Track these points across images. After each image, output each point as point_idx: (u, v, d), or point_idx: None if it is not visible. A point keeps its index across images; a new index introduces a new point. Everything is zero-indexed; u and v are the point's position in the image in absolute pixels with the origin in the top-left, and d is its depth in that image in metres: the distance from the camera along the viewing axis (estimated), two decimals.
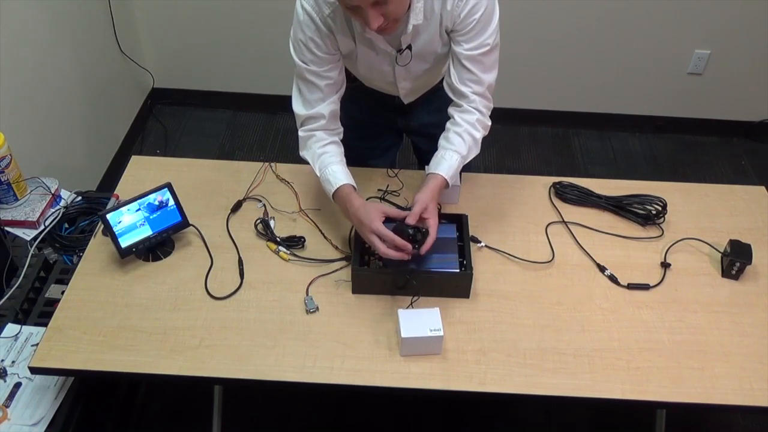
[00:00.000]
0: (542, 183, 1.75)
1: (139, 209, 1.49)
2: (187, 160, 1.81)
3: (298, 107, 1.53)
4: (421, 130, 1.84)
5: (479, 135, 1.51)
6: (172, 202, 1.53)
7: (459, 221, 1.56)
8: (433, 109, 1.72)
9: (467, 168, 1.73)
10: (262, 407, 2.00)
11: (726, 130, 3.15)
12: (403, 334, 1.31)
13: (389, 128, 1.87)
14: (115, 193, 1.69)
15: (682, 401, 1.29)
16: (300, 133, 1.54)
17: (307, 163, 1.54)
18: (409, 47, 1.49)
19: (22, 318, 1.54)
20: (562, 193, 1.71)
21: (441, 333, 1.31)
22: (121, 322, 1.40)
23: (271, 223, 1.62)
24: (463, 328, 1.40)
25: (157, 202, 1.51)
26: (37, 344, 1.37)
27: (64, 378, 1.45)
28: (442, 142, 1.53)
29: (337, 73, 1.51)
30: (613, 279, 1.51)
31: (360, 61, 1.54)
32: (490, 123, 1.53)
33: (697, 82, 3.01)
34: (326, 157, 1.50)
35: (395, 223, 1.40)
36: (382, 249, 1.36)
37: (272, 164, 1.78)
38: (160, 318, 1.41)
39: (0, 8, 2.02)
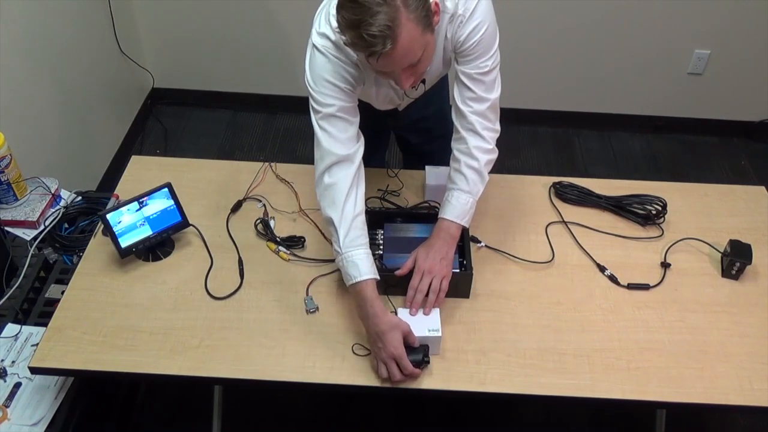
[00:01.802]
0: (542, 183, 1.75)
1: (139, 209, 1.49)
2: (187, 160, 1.81)
3: (330, 148, 1.37)
4: (414, 125, 1.83)
5: (478, 164, 1.43)
6: (171, 202, 1.53)
7: None
8: (425, 105, 1.72)
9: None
10: (262, 407, 2.00)
11: (726, 130, 3.14)
12: None
13: (380, 130, 1.85)
14: (115, 193, 1.69)
15: (682, 401, 1.29)
16: (325, 179, 1.37)
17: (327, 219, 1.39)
18: (423, 81, 1.49)
19: (22, 318, 1.54)
20: (562, 193, 1.71)
21: (439, 333, 1.31)
22: (121, 322, 1.40)
23: (271, 223, 1.62)
24: (463, 328, 1.40)
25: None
26: (37, 344, 1.37)
27: (64, 378, 1.45)
28: (447, 183, 1.49)
29: (358, 112, 1.42)
30: (613, 279, 1.51)
31: (377, 97, 1.55)
32: (491, 146, 1.44)
33: (697, 82, 3.01)
34: (356, 234, 1.36)
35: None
36: (397, 376, 1.28)
37: (272, 164, 1.78)
38: (160, 318, 1.41)
39: (0, 8, 2.02)
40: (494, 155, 1.46)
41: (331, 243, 1.38)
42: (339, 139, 1.38)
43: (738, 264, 1.50)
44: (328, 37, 1.34)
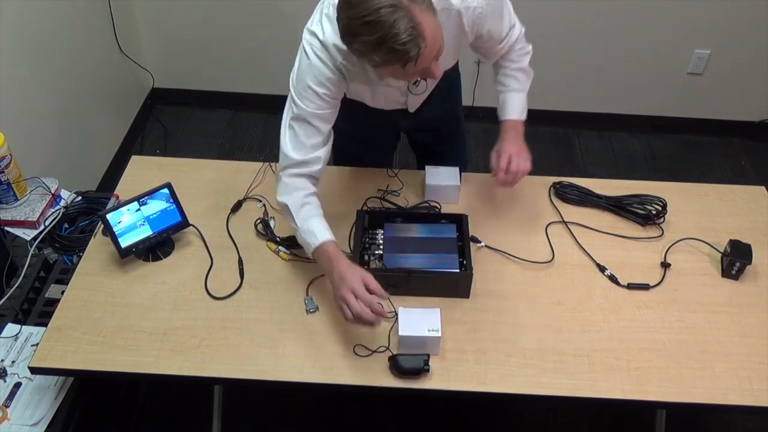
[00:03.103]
0: (542, 183, 1.75)
1: (139, 209, 1.49)
2: (187, 160, 1.81)
3: (289, 151, 1.40)
4: (424, 126, 1.82)
5: (523, 63, 1.58)
6: (171, 202, 1.53)
7: (459, 221, 1.56)
8: (436, 105, 1.72)
9: (468, 168, 1.73)
10: (262, 407, 2.00)
11: (726, 130, 3.14)
12: (401, 332, 1.31)
13: (390, 130, 1.85)
14: (115, 193, 1.69)
15: (682, 401, 1.29)
16: (283, 177, 1.42)
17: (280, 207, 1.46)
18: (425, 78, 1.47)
19: (22, 318, 1.54)
20: (562, 193, 1.71)
21: (439, 334, 1.31)
22: (121, 322, 1.40)
23: (271, 223, 1.62)
24: (463, 328, 1.40)
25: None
26: (37, 344, 1.37)
27: (64, 378, 1.45)
28: (498, 87, 1.61)
29: (335, 117, 1.44)
30: (613, 279, 1.51)
31: (374, 98, 1.55)
32: (527, 47, 1.58)
33: (697, 82, 3.01)
34: (309, 209, 1.41)
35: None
36: (356, 308, 1.25)
37: (272, 164, 1.78)
38: (160, 318, 1.41)
39: (0, 8, 2.02)
40: (531, 51, 1.59)
41: (291, 226, 1.42)
42: (303, 144, 1.39)
43: (738, 264, 1.50)
44: (316, 36, 1.34)
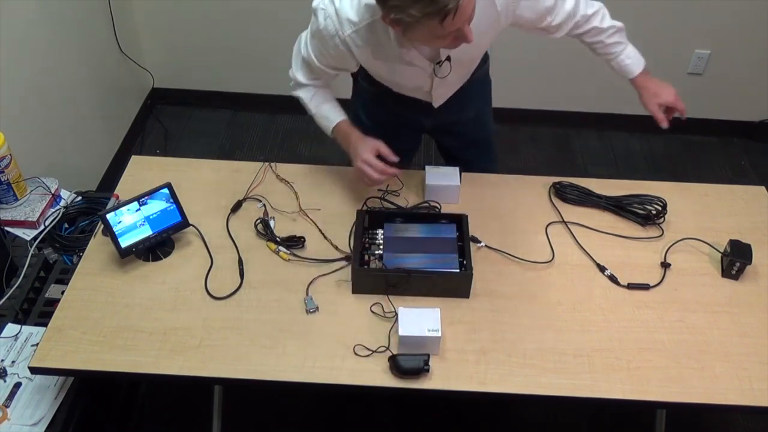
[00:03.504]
0: (542, 183, 1.75)
1: (139, 209, 1.49)
2: (187, 160, 1.81)
3: (299, 74, 1.59)
4: (448, 128, 1.82)
5: (613, 27, 1.59)
6: (171, 202, 1.53)
7: (459, 221, 1.56)
8: (460, 107, 1.72)
9: (467, 168, 1.73)
10: (262, 407, 2.00)
11: (726, 130, 3.14)
12: (401, 332, 1.31)
13: (412, 129, 1.84)
14: (115, 193, 1.69)
15: (682, 401, 1.29)
16: (293, 80, 1.62)
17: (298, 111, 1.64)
18: (448, 58, 1.46)
19: (22, 318, 1.54)
20: (562, 193, 1.71)
21: (439, 334, 1.31)
22: (121, 322, 1.40)
23: (271, 223, 1.62)
24: (463, 328, 1.40)
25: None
26: (37, 344, 1.37)
27: (64, 378, 1.45)
28: (605, 57, 1.65)
29: (334, 78, 1.60)
30: (613, 279, 1.51)
31: (393, 76, 1.55)
32: (602, 10, 1.58)
33: (697, 82, 3.01)
34: (320, 96, 1.60)
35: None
36: (373, 175, 1.50)
37: (272, 164, 1.78)
38: (160, 318, 1.41)
39: (0, 8, 2.02)
40: (604, 7, 1.59)
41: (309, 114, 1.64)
42: (309, 76, 1.59)
43: (738, 264, 1.50)
44: (333, 3, 1.38)
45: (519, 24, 1.49)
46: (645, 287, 1.50)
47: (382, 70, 1.54)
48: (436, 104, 1.68)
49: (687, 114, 1.69)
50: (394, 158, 1.51)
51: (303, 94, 1.62)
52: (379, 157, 1.53)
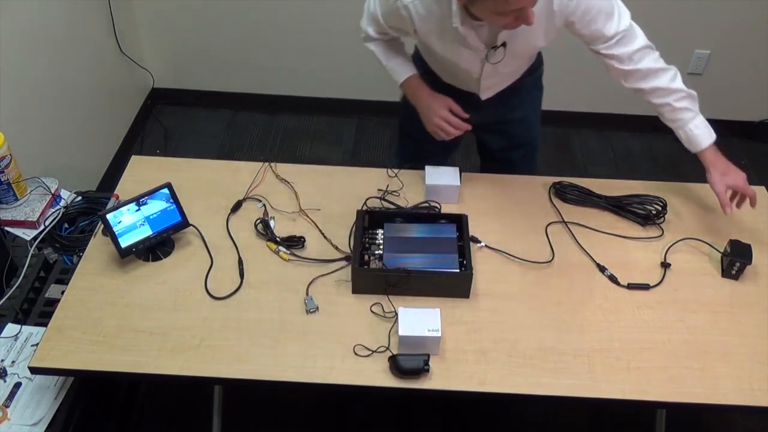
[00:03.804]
0: (542, 183, 1.75)
1: (139, 209, 1.49)
2: (187, 160, 1.81)
3: (369, 28, 1.63)
4: (493, 127, 1.82)
5: (683, 91, 1.54)
6: (171, 202, 1.53)
7: (459, 221, 1.56)
8: (509, 108, 1.73)
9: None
10: (262, 407, 2.00)
11: (726, 130, 3.13)
12: (401, 332, 1.31)
13: None
14: (115, 193, 1.69)
15: (682, 401, 1.29)
16: (363, 36, 1.66)
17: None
18: (504, 44, 1.47)
19: (22, 318, 1.54)
20: (562, 193, 1.71)
21: (439, 334, 1.31)
22: (121, 322, 1.40)
23: (271, 223, 1.62)
24: (463, 328, 1.40)
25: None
26: (37, 344, 1.37)
27: (64, 378, 1.45)
28: (670, 124, 1.59)
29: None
30: (613, 279, 1.51)
31: (447, 53, 1.55)
32: (672, 69, 1.56)
33: (697, 82, 2.98)
34: (392, 50, 1.65)
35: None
36: (450, 130, 1.58)
37: (272, 164, 1.78)
38: (160, 318, 1.41)
39: (1, 8, 2.02)
40: (677, 71, 1.55)
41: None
42: (377, 30, 1.62)
43: (738, 264, 1.50)
44: None
45: (579, 35, 1.51)
46: (645, 287, 1.50)
47: (436, 46, 1.54)
48: (483, 96, 1.68)
49: None
50: (465, 114, 1.59)
51: (374, 47, 1.66)
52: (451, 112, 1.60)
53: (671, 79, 1.54)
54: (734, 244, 1.53)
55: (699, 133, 1.55)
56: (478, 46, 1.47)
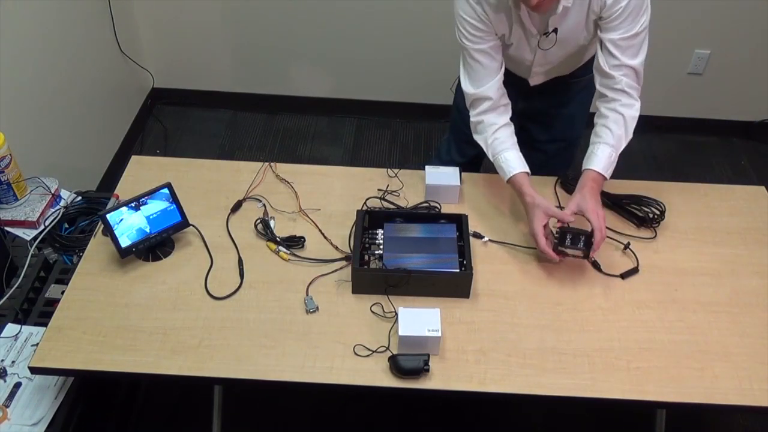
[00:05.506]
0: (542, 183, 1.75)
1: (139, 209, 1.49)
2: (187, 160, 1.81)
3: (466, 86, 1.59)
4: (539, 117, 1.84)
5: (624, 120, 1.53)
6: (171, 202, 1.53)
7: (459, 221, 1.56)
8: (557, 101, 1.74)
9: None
10: (262, 407, 2.00)
11: (726, 130, 3.14)
12: (401, 332, 1.31)
13: None
14: (115, 193, 1.69)
15: (682, 401, 1.29)
16: (471, 118, 1.62)
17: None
18: (555, 30, 1.51)
19: (22, 318, 1.54)
20: (569, 186, 1.69)
21: (439, 334, 1.31)
22: (121, 322, 1.40)
23: (271, 223, 1.62)
24: (463, 328, 1.40)
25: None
26: (37, 344, 1.37)
27: (64, 378, 1.45)
28: (592, 137, 1.57)
29: (495, 52, 1.55)
30: (596, 265, 1.53)
31: (512, 42, 1.57)
32: (636, 104, 1.53)
33: (697, 82, 3.01)
34: (497, 144, 1.58)
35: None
36: (542, 247, 1.47)
37: (272, 164, 1.78)
38: (160, 318, 1.41)
39: (0, 8, 2.02)
40: (638, 113, 1.54)
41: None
42: (472, 78, 1.57)
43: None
44: None
45: (599, 23, 1.50)
46: (634, 271, 1.52)
47: (505, 29, 1.55)
48: (532, 82, 1.71)
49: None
50: (569, 219, 1.48)
51: (481, 140, 1.61)
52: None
53: (629, 109, 1.54)
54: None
55: (600, 158, 1.52)
56: (532, 30, 1.53)
